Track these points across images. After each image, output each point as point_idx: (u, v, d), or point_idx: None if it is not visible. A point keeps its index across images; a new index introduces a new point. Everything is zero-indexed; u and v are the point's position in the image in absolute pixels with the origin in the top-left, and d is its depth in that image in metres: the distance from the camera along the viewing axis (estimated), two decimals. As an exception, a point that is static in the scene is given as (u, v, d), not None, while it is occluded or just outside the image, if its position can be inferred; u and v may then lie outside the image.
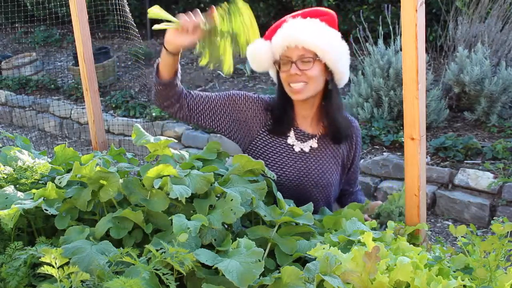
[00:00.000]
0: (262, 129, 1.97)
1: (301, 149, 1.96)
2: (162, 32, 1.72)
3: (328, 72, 1.88)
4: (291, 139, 1.96)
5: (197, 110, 1.93)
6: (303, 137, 1.97)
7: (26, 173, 1.56)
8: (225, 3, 1.69)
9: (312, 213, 1.55)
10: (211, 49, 1.72)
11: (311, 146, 1.97)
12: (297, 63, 1.82)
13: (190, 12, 1.70)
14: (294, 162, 1.95)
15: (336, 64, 1.86)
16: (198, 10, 1.72)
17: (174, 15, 1.70)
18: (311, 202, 1.65)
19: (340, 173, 2.06)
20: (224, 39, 1.70)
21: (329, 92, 1.92)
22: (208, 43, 1.72)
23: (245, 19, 1.69)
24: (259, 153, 1.96)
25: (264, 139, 1.97)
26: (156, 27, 1.69)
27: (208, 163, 1.70)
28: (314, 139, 1.98)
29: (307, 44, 1.81)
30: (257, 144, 1.97)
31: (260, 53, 1.88)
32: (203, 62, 1.75)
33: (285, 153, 1.95)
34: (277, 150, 1.95)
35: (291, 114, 1.95)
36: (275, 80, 1.99)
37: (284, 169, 1.94)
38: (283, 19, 1.90)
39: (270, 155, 1.95)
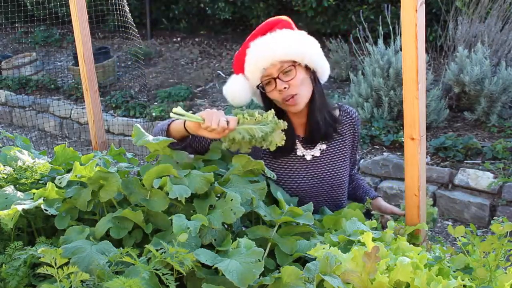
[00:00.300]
0: (267, 149, 1.95)
1: (312, 155, 1.95)
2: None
3: (310, 71, 1.86)
4: (300, 150, 1.94)
5: (200, 147, 1.86)
6: (310, 144, 1.96)
7: (26, 173, 1.56)
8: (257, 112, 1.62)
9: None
10: (238, 144, 1.63)
11: (320, 149, 1.97)
12: (280, 77, 1.79)
13: (215, 110, 1.61)
14: (308, 171, 1.94)
15: (316, 60, 1.85)
16: (222, 111, 1.62)
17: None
18: (311, 202, 1.65)
19: (350, 167, 2.08)
20: (253, 140, 1.62)
21: (312, 91, 1.89)
22: (234, 141, 1.63)
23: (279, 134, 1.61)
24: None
25: (271, 158, 1.93)
26: (175, 111, 1.59)
27: (212, 164, 1.70)
28: (321, 141, 1.97)
29: (283, 57, 1.78)
30: (266, 163, 1.91)
31: (238, 89, 1.85)
32: (224, 146, 1.64)
33: (298, 165, 1.93)
34: (289, 165, 1.93)
35: (290, 128, 1.87)
36: (261, 104, 1.95)
37: (299, 181, 1.92)
38: (243, 46, 1.87)
39: (283, 172, 1.92)
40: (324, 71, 1.90)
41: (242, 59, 1.85)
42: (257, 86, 1.85)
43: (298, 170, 1.93)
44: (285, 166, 1.93)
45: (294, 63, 1.80)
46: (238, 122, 1.61)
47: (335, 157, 1.99)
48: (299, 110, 1.86)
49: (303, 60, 1.81)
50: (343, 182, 2.01)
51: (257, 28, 1.87)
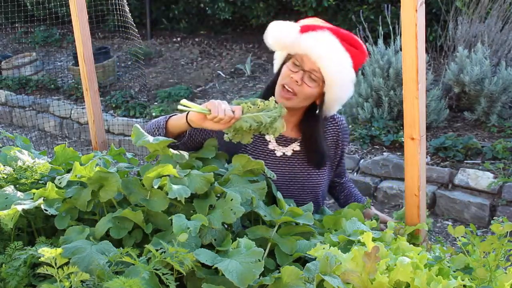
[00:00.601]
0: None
1: (283, 153, 1.95)
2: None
3: (322, 98, 1.87)
4: (272, 144, 1.95)
5: (191, 143, 1.86)
6: (284, 142, 1.96)
7: (26, 173, 1.56)
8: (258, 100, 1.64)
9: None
10: (240, 135, 1.65)
11: (293, 150, 1.96)
12: (304, 74, 1.81)
13: (219, 101, 1.61)
14: (277, 167, 1.93)
15: (334, 100, 1.86)
16: (225, 101, 1.63)
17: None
18: (311, 202, 1.65)
19: (328, 173, 2.05)
20: (258, 128, 1.64)
21: (312, 113, 1.91)
22: (238, 131, 1.65)
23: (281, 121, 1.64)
24: None
25: (247, 148, 1.93)
26: (183, 102, 1.60)
27: (206, 161, 1.70)
28: (296, 142, 1.96)
29: (324, 70, 1.79)
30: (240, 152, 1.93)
31: (285, 35, 1.82)
32: (227, 137, 1.65)
33: (267, 160, 1.93)
34: (259, 156, 1.93)
35: None
36: (276, 65, 1.94)
37: None
38: (320, 23, 1.86)
39: None
40: (329, 110, 1.92)
41: (311, 28, 1.83)
42: (289, 53, 1.86)
43: (268, 164, 1.92)
44: (255, 158, 1.90)
45: (322, 81, 1.81)
46: (242, 111, 1.62)
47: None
48: (284, 104, 1.81)
49: (329, 89, 1.82)
50: (317, 186, 1.99)
51: (341, 30, 1.86)
